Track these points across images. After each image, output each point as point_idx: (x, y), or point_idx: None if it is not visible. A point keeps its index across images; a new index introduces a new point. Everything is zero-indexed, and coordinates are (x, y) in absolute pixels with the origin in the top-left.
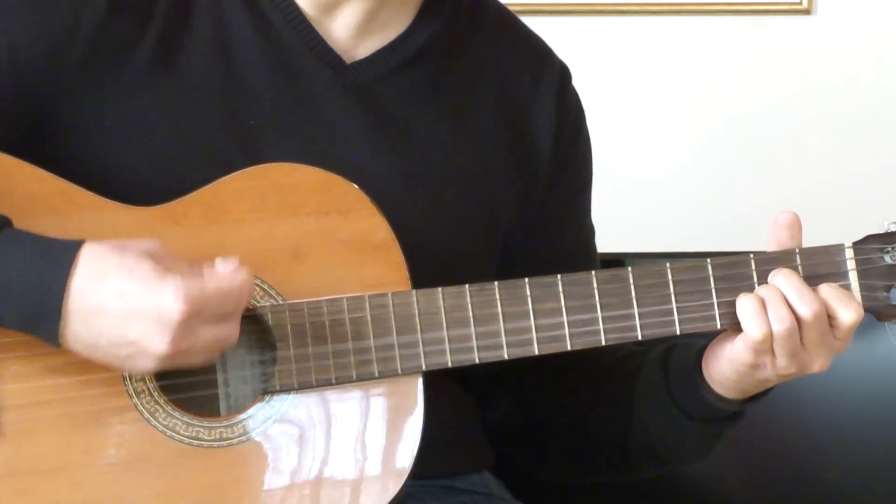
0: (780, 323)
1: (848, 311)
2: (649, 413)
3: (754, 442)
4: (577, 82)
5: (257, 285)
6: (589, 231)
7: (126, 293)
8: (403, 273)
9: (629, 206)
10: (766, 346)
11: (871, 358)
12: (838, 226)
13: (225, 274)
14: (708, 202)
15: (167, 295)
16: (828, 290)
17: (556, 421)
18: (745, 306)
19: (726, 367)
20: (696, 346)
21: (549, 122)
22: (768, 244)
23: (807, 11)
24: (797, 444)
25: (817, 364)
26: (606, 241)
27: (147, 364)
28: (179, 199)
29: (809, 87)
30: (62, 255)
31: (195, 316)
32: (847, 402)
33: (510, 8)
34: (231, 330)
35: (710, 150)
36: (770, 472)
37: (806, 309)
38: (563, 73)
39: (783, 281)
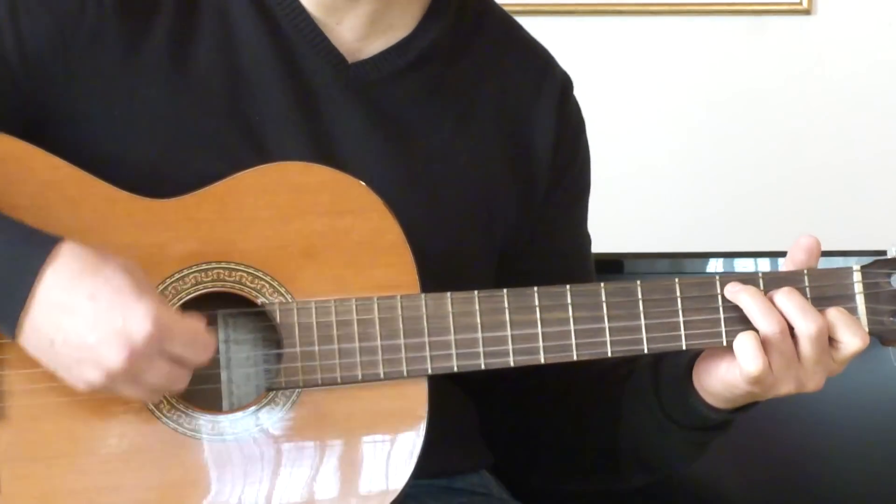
0: (781, 355)
1: (854, 338)
2: (638, 418)
3: (756, 462)
4: (576, 82)
5: (267, 282)
6: (585, 239)
7: (99, 298)
8: (413, 276)
9: (628, 207)
10: (763, 378)
11: (874, 381)
12: (838, 225)
13: (195, 322)
14: (707, 202)
15: (138, 312)
16: (835, 314)
17: (546, 423)
18: (742, 344)
19: (719, 386)
20: (688, 354)
21: (548, 131)
22: (784, 263)
23: (807, 11)
24: (797, 462)
25: (812, 383)
26: (605, 242)
27: (93, 375)
28: (193, 193)
29: (809, 88)
30: (41, 245)
31: (157, 343)
32: (849, 425)
33: (511, 8)
34: (181, 377)
35: (709, 151)
36: (772, 490)
37: (810, 325)
38: (564, 83)
39: (784, 299)
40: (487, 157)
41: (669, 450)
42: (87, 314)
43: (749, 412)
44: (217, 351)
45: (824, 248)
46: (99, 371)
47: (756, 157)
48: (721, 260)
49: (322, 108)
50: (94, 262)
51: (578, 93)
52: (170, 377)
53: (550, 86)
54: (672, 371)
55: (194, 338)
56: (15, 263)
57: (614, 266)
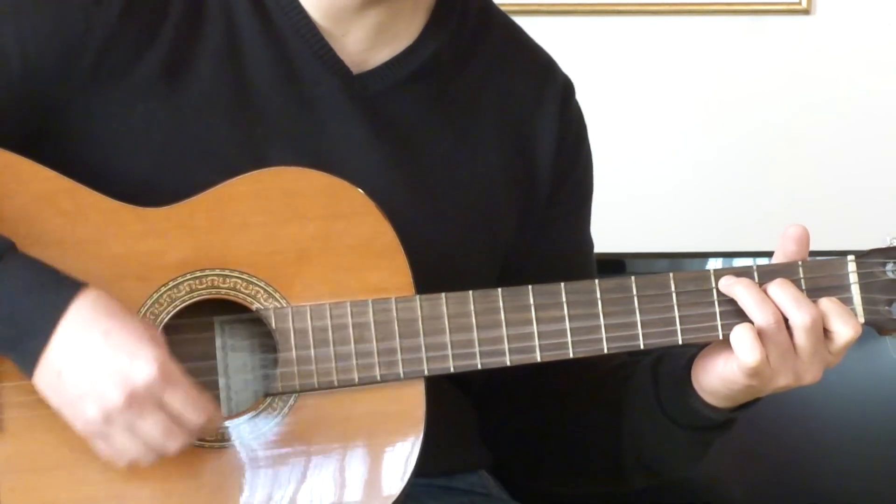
0: (777, 347)
1: (845, 328)
2: (639, 420)
3: (755, 455)
4: (576, 82)
5: (262, 287)
6: (588, 245)
7: (112, 336)
8: (407, 278)
9: (629, 207)
10: (761, 370)
11: (872, 371)
12: (837, 225)
13: (201, 388)
14: (707, 202)
15: (146, 356)
16: (828, 304)
17: (549, 427)
18: (739, 335)
19: (718, 383)
20: (686, 354)
21: (550, 137)
22: (775, 255)
23: (806, 11)
24: (797, 455)
25: (810, 375)
26: (606, 242)
27: (92, 412)
28: (185, 201)
29: (809, 88)
30: (68, 287)
31: (158, 391)
32: (847, 415)
33: (511, 8)
34: (177, 436)
35: (709, 151)
36: (772, 483)
37: (804, 316)
38: (566, 87)
39: (778, 290)
40: (489, 164)
41: (672, 451)
42: (97, 349)
43: (749, 411)
44: (217, 396)
45: (824, 247)
46: (97, 407)
47: (755, 157)
48: (720, 259)
49: (326, 120)
50: (116, 308)
51: (578, 93)
52: (165, 433)
53: (552, 91)
54: (671, 372)
55: (196, 397)
56: (42, 306)
57: (615, 266)
